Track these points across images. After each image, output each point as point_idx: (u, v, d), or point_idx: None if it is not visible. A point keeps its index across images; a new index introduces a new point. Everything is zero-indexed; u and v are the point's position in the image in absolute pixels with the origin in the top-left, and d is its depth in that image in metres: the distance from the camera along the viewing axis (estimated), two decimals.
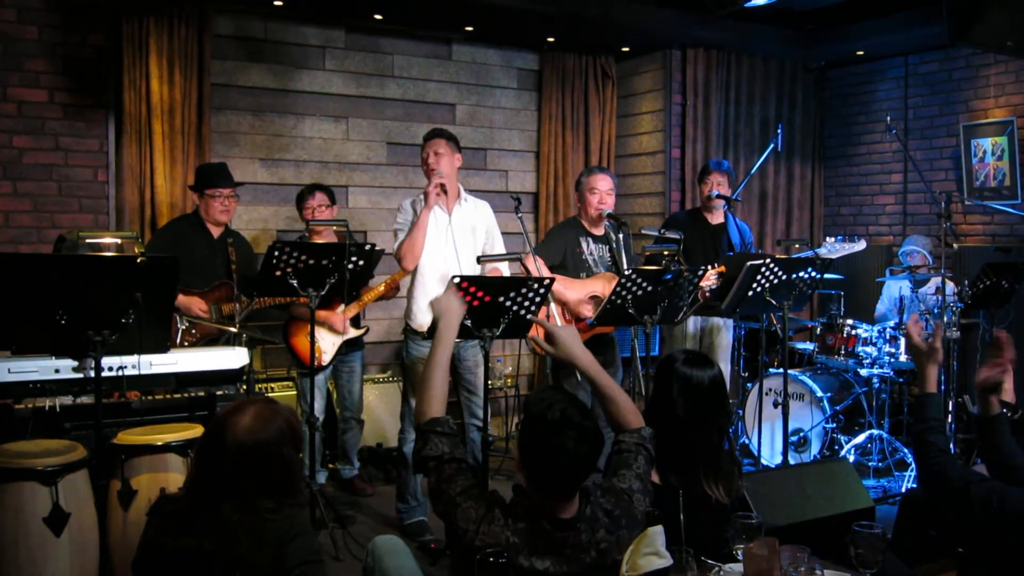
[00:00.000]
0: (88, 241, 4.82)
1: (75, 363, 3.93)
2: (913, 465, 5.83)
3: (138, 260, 3.54)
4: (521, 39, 7.47)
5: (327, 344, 5.48)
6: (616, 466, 2.63)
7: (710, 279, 5.13)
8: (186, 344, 4.90)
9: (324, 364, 5.49)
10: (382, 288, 5.54)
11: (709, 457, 2.87)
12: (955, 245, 6.35)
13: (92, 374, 3.59)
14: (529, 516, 2.39)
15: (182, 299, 4.90)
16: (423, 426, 2.61)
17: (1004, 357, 2.89)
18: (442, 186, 4.82)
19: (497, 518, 2.38)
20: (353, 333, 5.61)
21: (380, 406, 6.49)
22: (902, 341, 6.01)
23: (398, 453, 5.09)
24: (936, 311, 5.89)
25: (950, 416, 5.68)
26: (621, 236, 5.11)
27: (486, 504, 2.42)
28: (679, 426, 2.84)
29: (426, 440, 2.57)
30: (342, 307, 5.49)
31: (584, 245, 5.18)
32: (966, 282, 5.84)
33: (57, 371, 3.97)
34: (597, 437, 2.42)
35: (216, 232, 5.29)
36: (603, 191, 5.17)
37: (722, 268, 5.17)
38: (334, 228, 5.59)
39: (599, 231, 5.23)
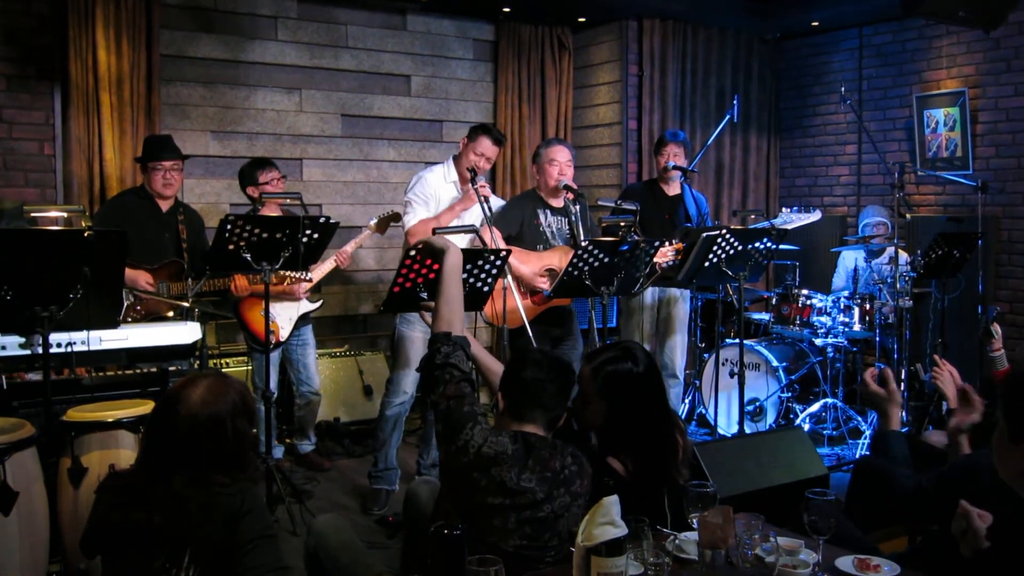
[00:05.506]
0: (32, 215, 4.71)
1: (22, 339, 3.86)
2: (866, 433, 5.93)
3: (85, 234, 3.47)
4: (476, 9, 7.38)
5: (283, 320, 5.40)
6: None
7: (667, 255, 5.13)
8: (130, 320, 4.71)
9: (282, 340, 5.41)
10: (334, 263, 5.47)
11: (673, 442, 2.88)
12: (908, 215, 6.42)
13: (40, 351, 3.53)
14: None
15: (128, 272, 4.56)
16: (457, 338, 2.85)
17: (974, 404, 3.00)
18: None
19: (502, 435, 2.62)
20: (309, 306, 5.53)
21: (337, 381, 6.45)
22: (856, 311, 6.07)
23: (379, 417, 5.09)
24: (890, 280, 5.96)
25: (903, 384, 5.76)
26: (578, 208, 5.09)
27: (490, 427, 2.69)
28: (652, 425, 2.86)
29: (454, 349, 2.80)
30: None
31: (542, 217, 5.15)
32: (919, 252, 5.91)
33: (4, 348, 3.88)
34: (562, 368, 2.78)
35: (165, 206, 5.12)
36: (562, 162, 5.12)
37: (680, 246, 5.17)
38: (285, 201, 5.45)
39: (557, 203, 5.19)
